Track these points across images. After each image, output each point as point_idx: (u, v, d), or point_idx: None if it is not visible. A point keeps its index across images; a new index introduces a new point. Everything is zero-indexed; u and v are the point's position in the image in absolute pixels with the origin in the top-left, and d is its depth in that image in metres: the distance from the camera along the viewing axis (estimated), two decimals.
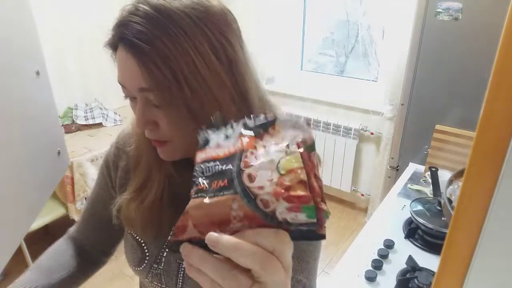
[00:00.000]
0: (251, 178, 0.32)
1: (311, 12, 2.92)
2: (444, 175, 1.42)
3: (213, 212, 0.32)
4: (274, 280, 0.30)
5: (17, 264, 2.12)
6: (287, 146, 0.33)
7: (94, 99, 2.69)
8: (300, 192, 0.30)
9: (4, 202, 1.02)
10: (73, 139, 2.34)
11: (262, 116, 0.36)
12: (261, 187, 0.31)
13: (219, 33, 0.50)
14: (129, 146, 0.70)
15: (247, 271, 0.30)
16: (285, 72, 3.05)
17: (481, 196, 0.34)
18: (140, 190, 0.64)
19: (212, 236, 0.30)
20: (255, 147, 0.34)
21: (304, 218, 0.30)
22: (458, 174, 1.14)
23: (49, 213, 2.11)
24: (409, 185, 1.58)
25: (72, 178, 2.09)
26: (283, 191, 0.30)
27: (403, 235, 1.25)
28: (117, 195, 0.70)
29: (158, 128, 0.54)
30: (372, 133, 2.65)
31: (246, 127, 0.36)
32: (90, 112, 2.57)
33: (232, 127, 0.37)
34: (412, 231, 1.25)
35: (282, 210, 0.30)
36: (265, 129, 0.35)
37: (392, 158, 2.31)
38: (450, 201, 1.04)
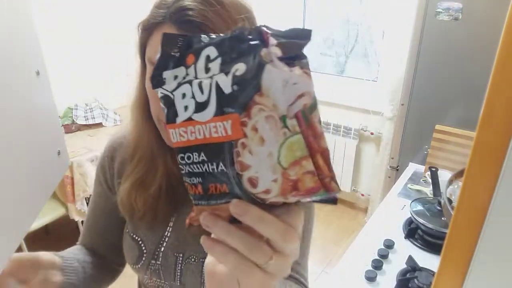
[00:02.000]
0: (252, 183, 0.29)
1: (311, 12, 2.92)
2: (444, 175, 1.42)
3: (221, 213, 0.32)
4: (291, 248, 0.32)
5: None
6: (284, 122, 0.27)
7: (94, 99, 2.69)
8: (309, 184, 0.28)
9: (4, 202, 1.02)
10: (73, 139, 2.34)
11: (240, 61, 0.28)
12: (267, 191, 0.29)
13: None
14: (123, 145, 0.72)
15: (267, 242, 0.32)
16: None
17: (481, 196, 0.34)
18: (143, 179, 0.66)
19: (241, 204, 0.30)
20: (244, 134, 0.28)
21: (315, 198, 0.30)
22: (458, 174, 1.14)
23: (49, 213, 2.11)
24: (409, 185, 1.58)
25: (72, 178, 2.09)
26: (290, 188, 0.28)
27: (403, 235, 1.25)
28: (114, 195, 0.72)
29: None
30: (372, 133, 2.65)
31: (222, 97, 0.28)
32: (90, 112, 2.57)
33: (200, 84, 0.29)
34: (412, 231, 1.25)
35: (293, 200, 0.30)
36: (249, 96, 0.27)
37: (392, 158, 2.31)
38: (450, 201, 1.04)
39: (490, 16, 1.73)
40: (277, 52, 0.27)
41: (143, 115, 0.65)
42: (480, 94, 0.37)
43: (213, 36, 0.30)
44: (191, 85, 0.30)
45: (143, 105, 0.64)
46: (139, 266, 0.70)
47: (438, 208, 1.24)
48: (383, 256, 1.15)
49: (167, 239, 0.69)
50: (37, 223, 2.03)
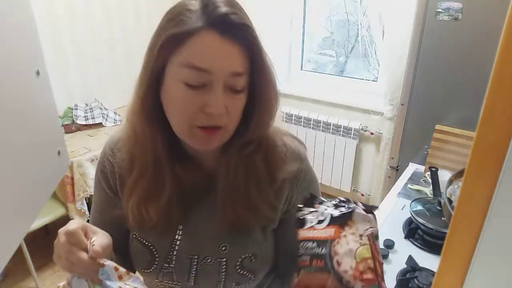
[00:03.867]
0: (338, 263, 0.49)
1: (311, 12, 2.92)
2: (444, 175, 1.42)
3: (315, 279, 0.51)
4: None
5: (17, 264, 2.12)
6: (361, 237, 0.50)
7: (94, 99, 2.68)
8: (369, 276, 0.47)
9: (4, 202, 1.02)
10: (73, 139, 2.34)
11: (344, 208, 0.54)
12: (345, 271, 0.48)
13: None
14: (121, 150, 0.69)
15: None
16: (285, 72, 3.05)
17: (481, 196, 0.34)
18: (150, 191, 0.65)
19: None
20: (339, 237, 0.51)
21: None
22: (458, 174, 1.14)
23: (49, 213, 2.11)
24: (409, 185, 1.58)
25: (72, 178, 2.09)
26: (359, 274, 0.47)
27: (403, 235, 1.25)
28: (120, 200, 0.71)
29: (224, 114, 0.57)
30: (372, 133, 2.65)
31: (332, 218, 0.53)
32: (90, 112, 2.57)
33: (322, 213, 0.55)
34: (412, 231, 1.25)
35: (358, 286, 0.47)
36: (345, 220, 0.52)
37: (392, 158, 2.31)
38: (450, 201, 1.04)
39: (490, 16, 1.73)
40: (362, 206, 0.54)
41: (146, 122, 0.60)
42: (480, 94, 0.37)
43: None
44: (317, 212, 0.56)
45: (146, 111, 0.60)
46: (150, 270, 0.69)
47: (438, 208, 1.24)
48: (383, 256, 1.15)
49: (178, 242, 0.68)
50: (37, 223, 2.03)
